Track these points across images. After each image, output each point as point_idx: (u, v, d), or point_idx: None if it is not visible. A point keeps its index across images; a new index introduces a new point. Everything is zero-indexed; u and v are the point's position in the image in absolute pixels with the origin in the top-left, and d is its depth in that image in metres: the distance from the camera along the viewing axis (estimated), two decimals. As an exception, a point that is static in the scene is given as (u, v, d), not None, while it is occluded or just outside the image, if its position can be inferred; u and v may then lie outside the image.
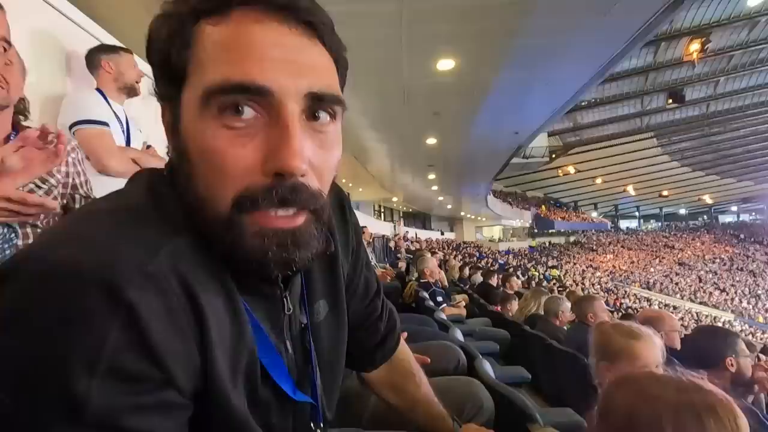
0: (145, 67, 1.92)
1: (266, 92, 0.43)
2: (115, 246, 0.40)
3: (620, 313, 14.61)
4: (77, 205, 1.26)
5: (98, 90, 1.82)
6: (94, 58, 1.84)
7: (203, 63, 0.44)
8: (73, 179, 1.31)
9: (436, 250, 13.14)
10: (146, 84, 2.00)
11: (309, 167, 0.46)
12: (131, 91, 1.89)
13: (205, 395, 0.44)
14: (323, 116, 0.47)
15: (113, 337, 0.36)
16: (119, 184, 0.52)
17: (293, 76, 0.44)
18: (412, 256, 7.52)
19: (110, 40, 2.11)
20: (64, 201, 1.26)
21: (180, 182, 0.49)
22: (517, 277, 6.70)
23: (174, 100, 0.47)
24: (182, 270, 0.42)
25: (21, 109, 1.38)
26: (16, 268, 0.39)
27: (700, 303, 24.78)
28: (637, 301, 22.33)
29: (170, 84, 0.47)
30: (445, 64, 6.20)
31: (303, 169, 0.44)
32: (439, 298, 4.04)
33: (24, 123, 1.36)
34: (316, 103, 0.46)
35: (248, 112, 0.43)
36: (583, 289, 18.74)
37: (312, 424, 0.61)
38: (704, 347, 1.91)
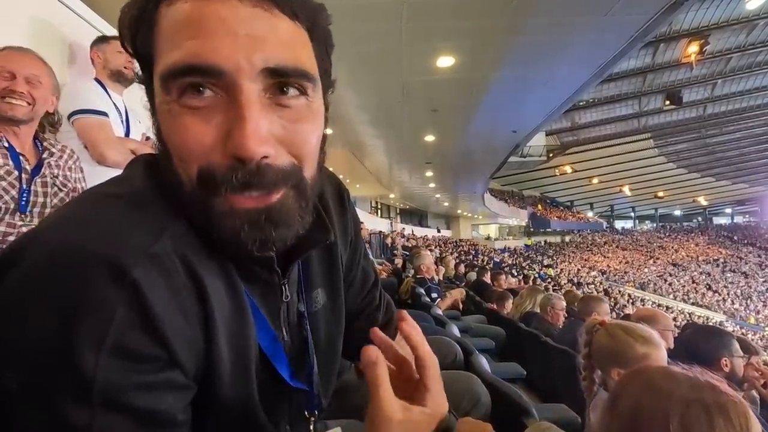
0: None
1: (219, 72, 0.40)
2: (120, 228, 0.41)
3: (615, 313, 14.68)
4: None
5: (97, 80, 1.81)
6: (89, 51, 1.86)
7: (161, 46, 0.43)
8: (80, 184, 1.43)
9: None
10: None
11: (278, 144, 0.44)
12: (120, 77, 1.86)
13: (207, 376, 0.45)
14: (291, 91, 0.44)
15: (119, 317, 0.37)
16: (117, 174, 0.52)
17: (245, 52, 0.40)
18: (408, 253, 7.54)
19: (111, 32, 2.10)
20: None
21: (162, 165, 0.48)
22: (512, 275, 6.73)
23: (148, 85, 0.47)
24: (185, 252, 0.43)
25: (52, 121, 1.44)
26: (24, 250, 0.39)
27: (693, 304, 24.95)
28: (631, 300, 22.44)
29: (143, 69, 0.47)
30: (445, 61, 6.20)
31: (261, 152, 0.41)
32: (434, 295, 4.05)
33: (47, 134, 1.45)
34: (279, 79, 0.43)
35: (207, 92, 0.42)
36: (579, 288, 18.81)
37: (307, 412, 0.61)
38: (700, 347, 1.92)
